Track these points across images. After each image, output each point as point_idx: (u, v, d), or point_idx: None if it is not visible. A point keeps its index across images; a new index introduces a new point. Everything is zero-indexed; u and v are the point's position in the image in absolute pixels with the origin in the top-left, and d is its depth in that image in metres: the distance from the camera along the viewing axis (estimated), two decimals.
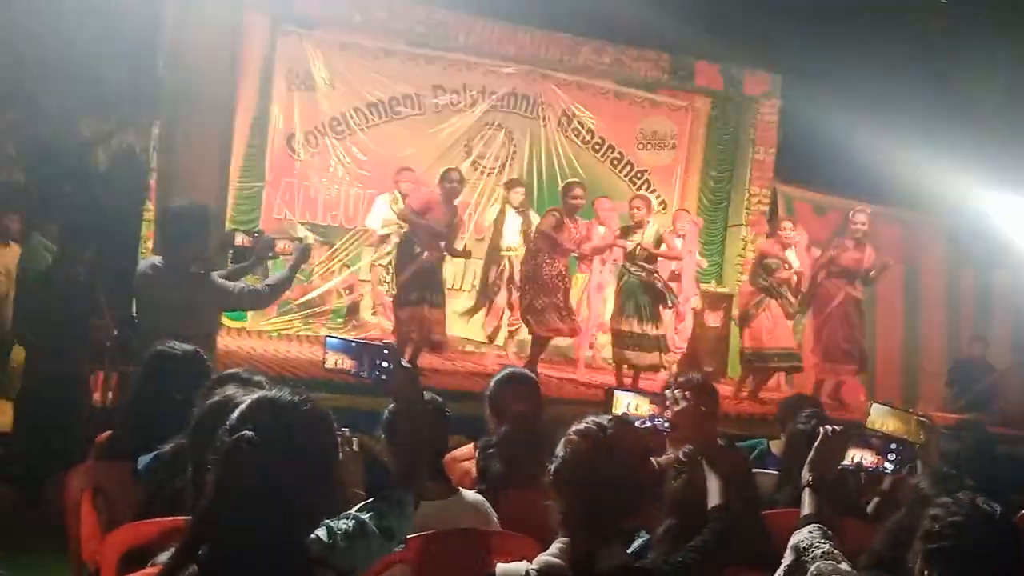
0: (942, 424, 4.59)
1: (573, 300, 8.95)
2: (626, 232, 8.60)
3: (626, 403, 2.84)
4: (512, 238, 9.08)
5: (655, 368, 8.45)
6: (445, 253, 8.21)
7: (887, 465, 3.02)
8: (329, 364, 2.62)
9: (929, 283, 11.82)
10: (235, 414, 1.92)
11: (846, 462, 2.96)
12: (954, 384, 10.67)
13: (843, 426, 2.85)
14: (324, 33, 9.98)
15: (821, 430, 2.77)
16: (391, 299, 8.81)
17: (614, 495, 2.18)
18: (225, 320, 8.50)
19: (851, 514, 3.66)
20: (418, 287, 7.93)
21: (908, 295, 11.72)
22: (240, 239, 5.45)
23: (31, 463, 5.97)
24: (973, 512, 2.16)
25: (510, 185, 9.52)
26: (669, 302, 8.66)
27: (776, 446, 4.89)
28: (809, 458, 2.70)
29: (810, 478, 2.63)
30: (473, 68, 10.62)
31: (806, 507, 2.56)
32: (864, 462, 2.99)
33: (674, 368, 8.74)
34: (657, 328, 8.49)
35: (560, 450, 2.24)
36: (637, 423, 2.77)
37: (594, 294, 9.66)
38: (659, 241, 8.55)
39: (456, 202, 8.27)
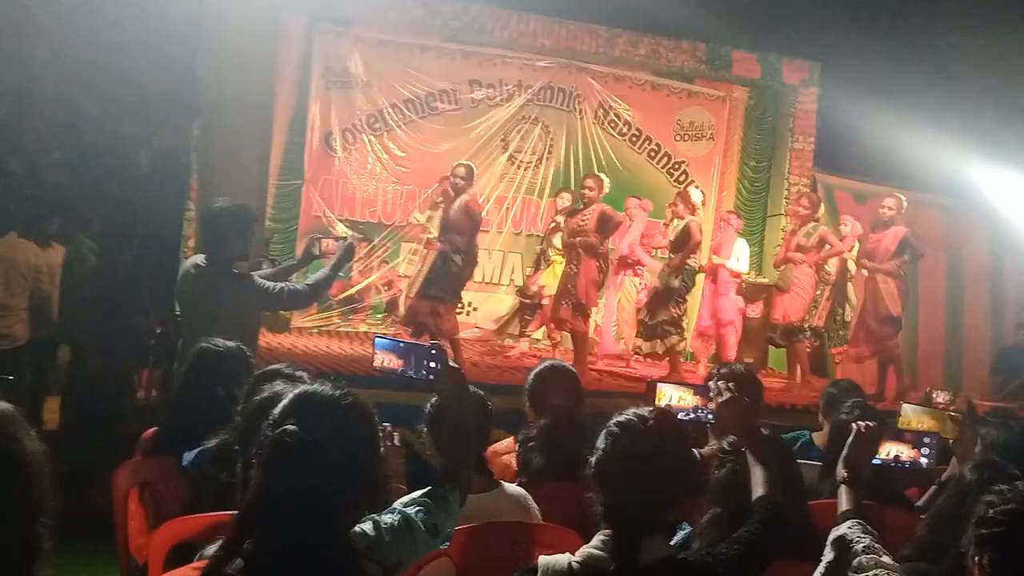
0: (986, 412, 4.52)
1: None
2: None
3: (669, 395, 2.84)
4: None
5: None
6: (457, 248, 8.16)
7: (923, 459, 3.02)
8: (377, 363, 2.64)
9: (972, 271, 11.66)
10: (278, 409, 1.94)
11: (883, 457, 2.96)
12: (999, 372, 10.52)
13: (878, 420, 2.83)
14: (360, 30, 10.02)
15: (854, 426, 2.76)
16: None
17: (656, 487, 2.17)
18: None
19: (894, 504, 3.63)
20: (435, 283, 8.03)
21: (951, 283, 11.57)
22: (326, 244, 5.35)
23: (79, 460, 6.06)
24: None
25: (559, 192, 9.56)
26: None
27: (818, 437, 4.84)
28: (843, 455, 2.69)
29: (845, 474, 2.62)
30: (509, 62, 10.62)
31: (843, 503, 2.56)
32: (901, 456, 2.98)
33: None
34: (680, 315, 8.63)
35: (601, 442, 2.23)
36: (681, 415, 2.76)
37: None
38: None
39: (464, 198, 8.12)
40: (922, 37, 9.50)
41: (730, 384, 2.57)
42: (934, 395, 6.11)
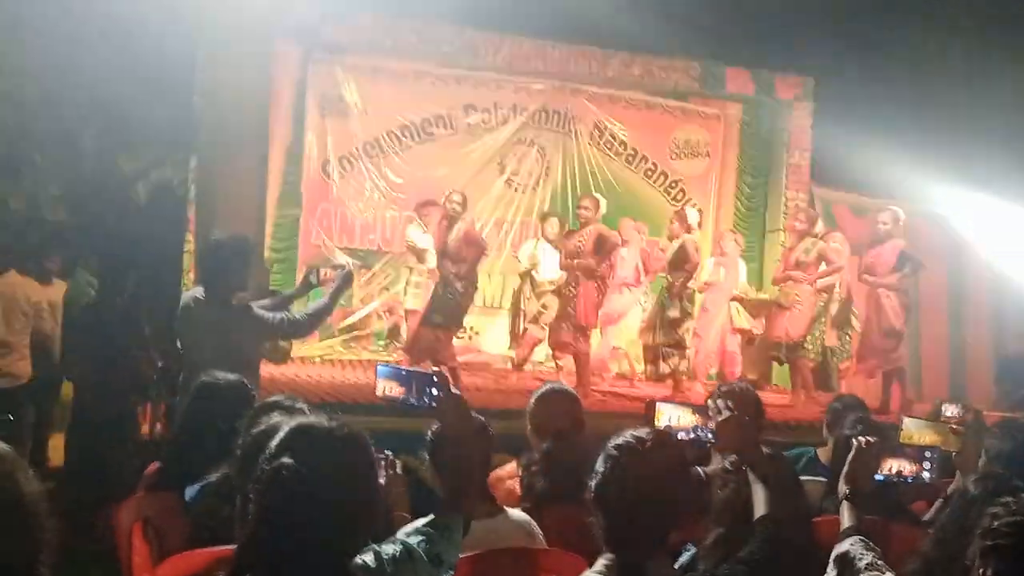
0: (991, 424, 4.50)
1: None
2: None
3: (669, 415, 2.83)
4: (550, 272, 9.08)
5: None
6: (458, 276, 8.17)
7: (924, 473, 3.00)
8: (379, 391, 2.65)
9: (972, 281, 11.65)
10: (273, 442, 1.94)
11: (886, 472, 2.94)
12: (1002, 382, 10.49)
13: (881, 434, 2.81)
14: (355, 59, 10.08)
15: (854, 442, 2.76)
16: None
17: (656, 509, 2.17)
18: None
19: (900, 519, 3.62)
20: (437, 310, 8.07)
21: (952, 293, 11.56)
22: (324, 273, 5.39)
23: (83, 496, 6.05)
24: None
25: (544, 217, 9.55)
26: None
27: (823, 453, 4.83)
28: (844, 471, 2.69)
29: (847, 490, 2.61)
30: (504, 86, 10.67)
31: (845, 519, 2.55)
32: (903, 471, 2.97)
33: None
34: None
35: (600, 465, 2.23)
36: (680, 435, 2.76)
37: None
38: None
39: (462, 225, 8.14)
40: (915, 48, 9.52)
41: (729, 403, 2.57)
42: (943, 408, 6.09)
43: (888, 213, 8.84)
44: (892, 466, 2.94)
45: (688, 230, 8.84)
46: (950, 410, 6.05)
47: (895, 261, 8.71)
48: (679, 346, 8.63)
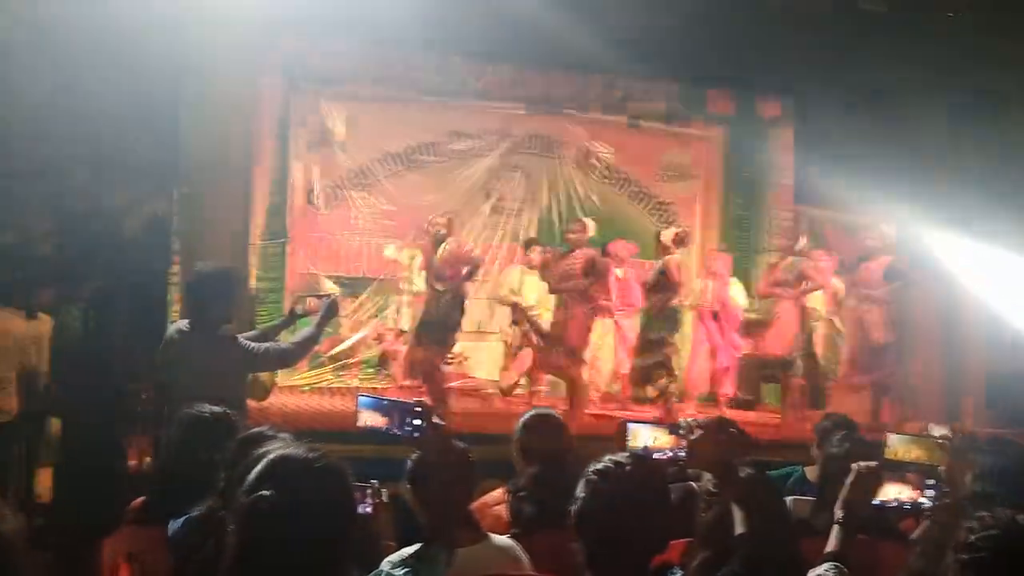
0: (983, 441, 4.51)
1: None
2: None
3: (645, 436, 2.81)
4: (532, 298, 9.12)
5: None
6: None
7: (923, 500, 2.93)
8: (361, 422, 2.65)
9: (966, 299, 11.64)
10: (251, 475, 1.94)
11: (885, 498, 2.87)
12: (993, 403, 10.48)
13: (869, 453, 2.80)
14: (340, 89, 10.11)
15: (854, 467, 2.74)
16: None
17: (638, 533, 2.18)
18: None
19: (888, 538, 3.61)
20: (427, 329, 8.15)
21: (946, 311, 11.54)
22: (310, 303, 5.39)
23: (70, 530, 6.02)
24: (1011, 526, 2.13)
25: (529, 244, 9.57)
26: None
27: (811, 472, 4.83)
28: (842, 496, 2.67)
29: (841, 515, 2.60)
30: (489, 112, 10.71)
31: (831, 543, 2.55)
32: (901, 497, 2.90)
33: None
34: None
35: (580, 491, 2.24)
36: (657, 455, 2.75)
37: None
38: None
39: (447, 245, 8.26)
40: (895, 65, 9.57)
41: (700, 421, 2.56)
42: (931, 429, 6.13)
43: (876, 230, 8.90)
44: (891, 491, 2.88)
45: (665, 251, 8.87)
46: (936, 431, 6.09)
47: (883, 276, 8.76)
48: (664, 367, 8.63)
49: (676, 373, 8.98)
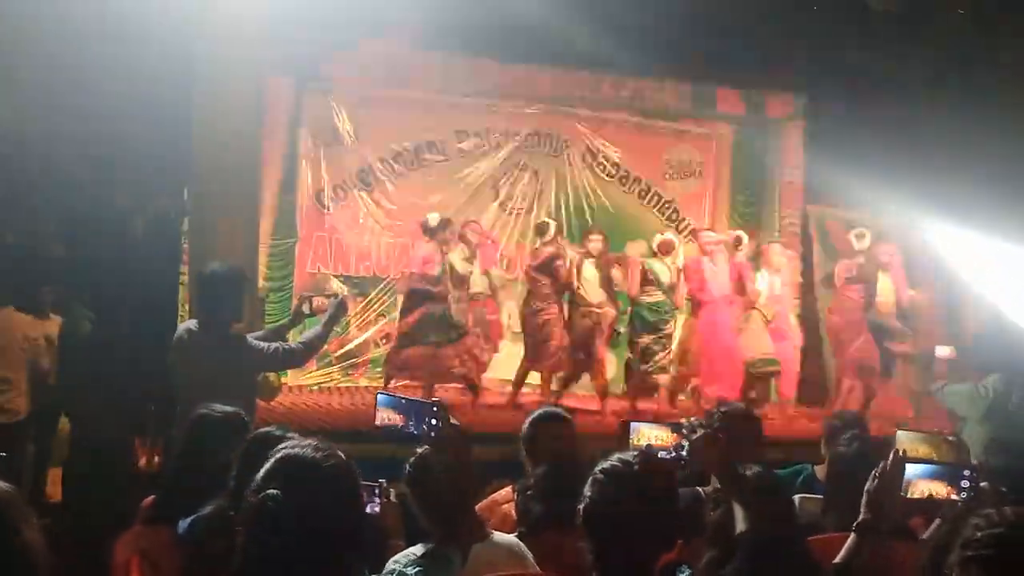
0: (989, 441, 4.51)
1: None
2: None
3: (647, 435, 2.81)
4: (596, 293, 9.05)
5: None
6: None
7: (955, 496, 2.82)
8: (379, 421, 2.66)
9: (971, 298, 11.61)
10: (260, 473, 1.95)
11: (916, 495, 2.79)
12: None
13: (876, 452, 2.77)
14: (348, 88, 10.11)
15: (881, 464, 2.67)
16: None
17: (645, 533, 2.18)
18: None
19: (899, 538, 3.60)
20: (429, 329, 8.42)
21: (948, 311, 11.53)
22: (317, 302, 5.41)
23: (81, 530, 6.04)
24: (1017, 524, 2.12)
25: (586, 234, 9.47)
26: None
27: (821, 470, 4.82)
28: (865, 498, 2.64)
29: (868, 517, 2.55)
30: (496, 111, 10.71)
31: (843, 553, 2.51)
32: (936, 494, 2.80)
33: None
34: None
35: (587, 490, 2.24)
36: (662, 454, 2.74)
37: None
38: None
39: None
40: (907, 63, 9.56)
41: (702, 420, 2.57)
42: (937, 350, 6.21)
43: (857, 230, 9.49)
44: (924, 489, 2.79)
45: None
46: (944, 351, 6.13)
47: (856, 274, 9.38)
48: (656, 361, 8.79)
49: (670, 368, 9.16)
